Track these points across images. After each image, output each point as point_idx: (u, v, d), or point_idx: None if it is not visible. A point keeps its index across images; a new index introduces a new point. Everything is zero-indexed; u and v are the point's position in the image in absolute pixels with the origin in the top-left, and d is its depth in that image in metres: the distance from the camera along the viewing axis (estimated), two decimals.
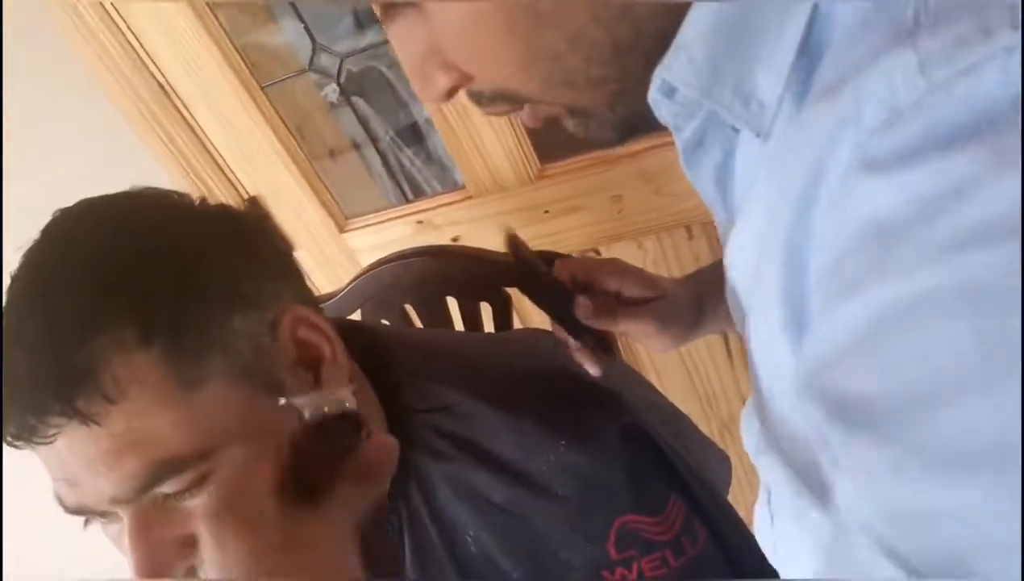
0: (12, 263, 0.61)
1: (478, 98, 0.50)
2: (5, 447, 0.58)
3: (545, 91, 0.46)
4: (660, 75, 0.44)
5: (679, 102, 0.45)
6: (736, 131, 0.48)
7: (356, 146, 1.67)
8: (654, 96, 0.46)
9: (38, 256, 0.61)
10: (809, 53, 0.40)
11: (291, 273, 0.68)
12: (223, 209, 0.68)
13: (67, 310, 0.57)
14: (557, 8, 0.40)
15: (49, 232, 0.62)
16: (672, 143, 0.49)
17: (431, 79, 0.47)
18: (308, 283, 0.73)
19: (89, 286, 0.58)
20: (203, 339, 0.59)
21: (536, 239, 1.37)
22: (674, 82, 0.43)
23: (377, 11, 0.46)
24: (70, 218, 0.62)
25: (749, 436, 0.66)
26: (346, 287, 1.17)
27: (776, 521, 0.67)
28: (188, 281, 0.59)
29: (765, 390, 0.53)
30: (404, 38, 0.46)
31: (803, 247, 0.40)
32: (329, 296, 1.16)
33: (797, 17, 0.39)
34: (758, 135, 0.41)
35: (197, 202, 0.67)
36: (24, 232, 0.62)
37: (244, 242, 0.65)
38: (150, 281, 0.58)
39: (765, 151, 0.43)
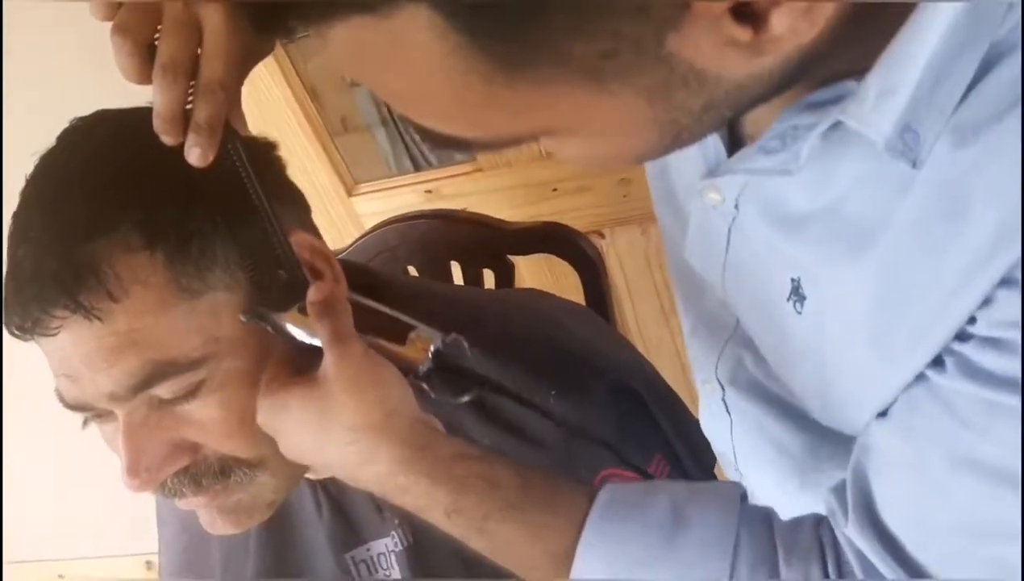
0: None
1: None
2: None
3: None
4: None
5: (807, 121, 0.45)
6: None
7: (369, 125, 1.68)
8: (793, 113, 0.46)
9: (51, 160, 0.62)
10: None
11: (296, 202, 0.70)
12: (233, 132, 0.69)
13: (76, 209, 0.59)
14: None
15: (64, 138, 0.63)
16: None
17: None
18: None
19: (99, 189, 0.60)
20: (206, 251, 0.60)
21: (542, 217, 1.38)
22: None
23: None
24: (85, 125, 0.63)
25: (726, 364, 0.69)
26: (351, 246, 1.18)
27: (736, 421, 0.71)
28: (195, 193, 0.60)
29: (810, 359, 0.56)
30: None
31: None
32: (334, 254, 1.17)
33: (972, 55, 0.39)
34: (914, 166, 0.41)
35: None
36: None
37: (253, 165, 0.66)
38: (158, 190, 0.59)
39: (912, 188, 0.43)
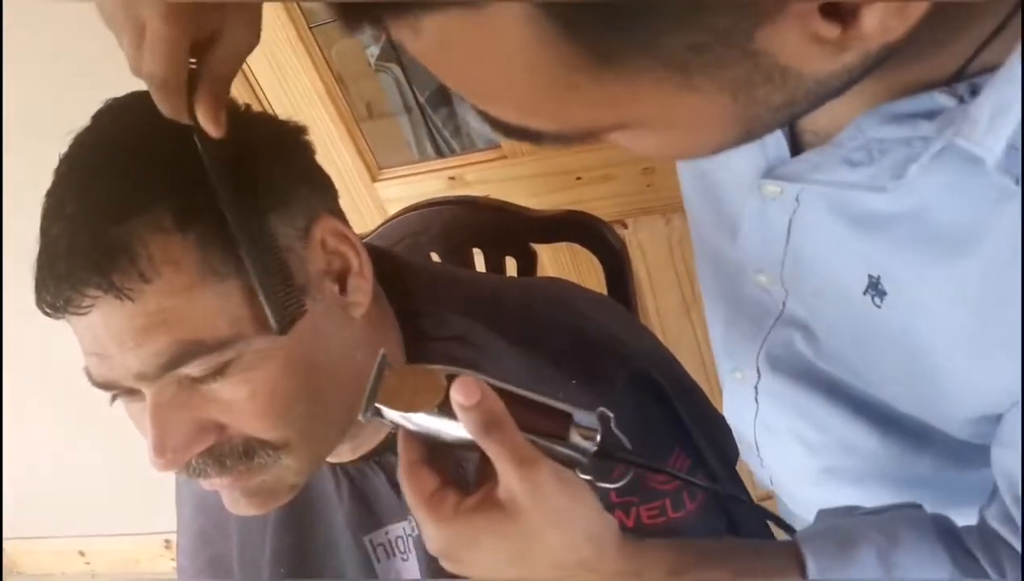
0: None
1: None
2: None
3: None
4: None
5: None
6: None
7: (394, 111, 1.69)
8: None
9: (86, 139, 0.63)
10: None
11: (325, 187, 0.70)
12: (265, 115, 0.70)
13: (110, 189, 0.59)
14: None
15: (99, 118, 0.64)
16: None
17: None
18: None
19: (133, 170, 0.60)
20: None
21: (565, 205, 1.37)
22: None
23: None
24: (120, 106, 0.64)
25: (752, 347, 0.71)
26: (374, 231, 1.18)
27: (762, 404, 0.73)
28: (227, 175, 0.60)
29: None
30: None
31: None
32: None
33: None
34: (1017, 183, 0.42)
35: (242, 107, 0.68)
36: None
37: (282, 147, 0.67)
38: (191, 172, 0.60)
39: (1013, 200, 0.44)
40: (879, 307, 0.53)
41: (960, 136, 0.42)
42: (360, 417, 0.55)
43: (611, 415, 0.55)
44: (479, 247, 1.14)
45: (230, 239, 0.60)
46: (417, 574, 0.78)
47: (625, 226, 1.41)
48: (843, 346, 0.62)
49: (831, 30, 0.33)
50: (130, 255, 0.58)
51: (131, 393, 0.64)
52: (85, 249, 0.58)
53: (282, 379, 0.63)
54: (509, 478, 0.52)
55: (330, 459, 0.77)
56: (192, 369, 0.61)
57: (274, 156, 0.65)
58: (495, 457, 0.52)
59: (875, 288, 0.53)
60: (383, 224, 1.17)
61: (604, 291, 1.07)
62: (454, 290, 0.80)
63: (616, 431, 0.55)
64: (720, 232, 0.65)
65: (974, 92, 0.42)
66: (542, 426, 0.54)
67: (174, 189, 0.60)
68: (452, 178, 1.46)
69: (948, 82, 0.42)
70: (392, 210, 1.24)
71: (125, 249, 0.58)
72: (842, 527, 0.59)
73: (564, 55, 0.34)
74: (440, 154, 1.70)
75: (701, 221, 0.72)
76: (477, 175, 1.44)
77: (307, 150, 0.69)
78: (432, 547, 0.56)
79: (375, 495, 0.78)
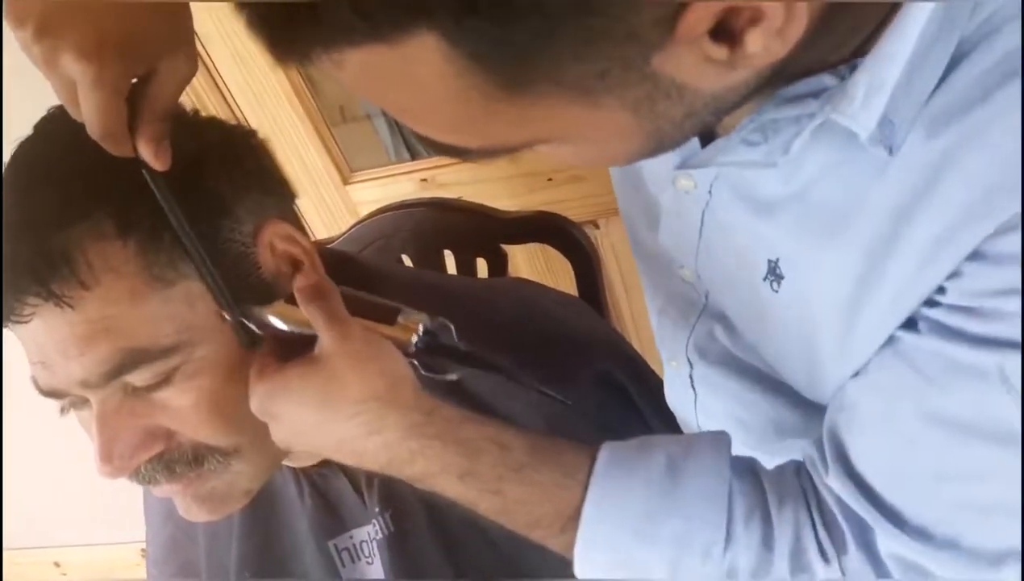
0: None
1: None
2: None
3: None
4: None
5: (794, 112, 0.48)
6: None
7: (369, 114, 1.67)
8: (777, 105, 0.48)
9: (28, 149, 0.62)
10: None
11: (276, 190, 0.69)
12: (213, 120, 0.69)
13: (50, 197, 0.59)
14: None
15: (40, 127, 0.63)
16: None
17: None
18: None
19: (73, 177, 0.59)
20: (179, 240, 0.59)
21: (537, 206, 1.37)
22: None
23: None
24: (61, 114, 0.62)
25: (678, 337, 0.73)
26: (346, 233, 1.17)
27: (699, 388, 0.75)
28: (171, 182, 0.59)
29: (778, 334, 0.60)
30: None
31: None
32: (328, 241, 1.17)
33: (944, 50, 0.42)
34: (890, 153, 0.45)
35: (190, 112, 0.67)
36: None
37: (230, 152, 0.65)
38: (132, 179, 0.58)
39: (887, 173, 0.46)
40: (776, 292, 0.56)
41: (837, 112, 0.45)
42: (226, 317, 0.61)
43: (451, 325, 0.62)
44: (450, 249, 1.13)
45: (173, 245, 0.59)
46: (382, 577, 0.77)
47: (597, 226, 1.41)
48: (750, 334, 0.64)
49: (719, 52, 0.37)
50: (69, 263, 0.57)
51: (79, 401, 0.63)
52: (24, 258, 0.57)
53: (228, 385, 0.62)
54: (322, 334, 0.58)
55: (292, 464, 0.76)
56: (136, 377, 0.60)
57: (222, 161, 0.64)
58: (315, 319, 0.59)
59: (774, 273, 0.55)
60: (354, 226, 1.17)
61: (575, 292, 1.07)
62: (419, 293, 0.80)
63: (456, 340, 0.62)
64: (651, 230, 0.68)
65: (853, 70, 0.45)
66: (371, 313, 0.61)
67: (115, 196, 0.59)
68: (424, 180, 1.45)
69: (835, 64, 0.45)
70: (364, 212, 1.24)
71: (64, 257, 0.57)
72: (651, 438, 0.63)
73: (478, 84, 0.37)
74: (414, 156, 1.68)
75: (632, 216, 0.75)
76: (449, 177, 1.44)
77: (258, 154, 0.68)
78: (254, 407, 0.61)
79: (339, 499, 0.77)
